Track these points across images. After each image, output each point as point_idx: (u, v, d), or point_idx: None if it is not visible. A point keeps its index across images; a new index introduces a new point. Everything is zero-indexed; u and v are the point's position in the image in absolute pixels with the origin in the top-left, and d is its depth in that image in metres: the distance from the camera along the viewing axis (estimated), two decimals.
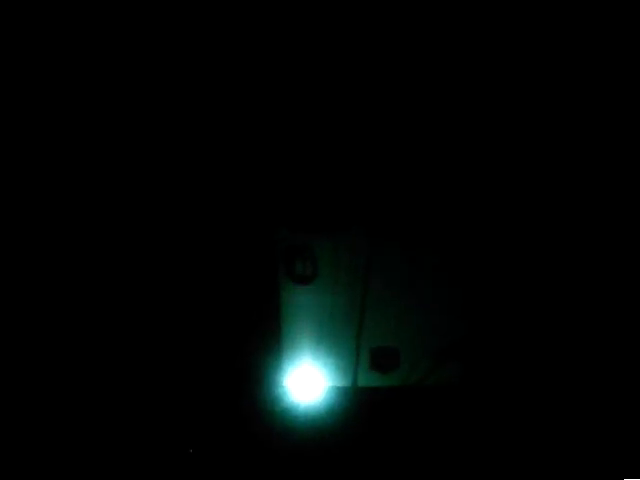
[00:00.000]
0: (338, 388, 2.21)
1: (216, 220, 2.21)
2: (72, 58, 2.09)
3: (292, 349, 2.22)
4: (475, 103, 2.27)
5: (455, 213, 2.31)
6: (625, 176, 2.26)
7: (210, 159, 2.21)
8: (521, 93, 2.26)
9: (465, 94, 2.26)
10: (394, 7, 2.16)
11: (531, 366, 2.27)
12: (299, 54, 2.17)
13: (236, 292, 2.19)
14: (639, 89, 2.21)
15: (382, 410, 2.20)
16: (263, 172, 2.24)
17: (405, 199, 2.30)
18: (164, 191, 2.19)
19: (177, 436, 2.09)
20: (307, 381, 2.21)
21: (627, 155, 2.25)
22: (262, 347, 2.19)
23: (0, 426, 1.99)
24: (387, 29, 2.18)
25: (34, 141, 2.12)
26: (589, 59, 2.21)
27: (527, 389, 2.25)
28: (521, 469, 2.14)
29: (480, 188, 2.31)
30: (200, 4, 2.10)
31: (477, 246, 2.32)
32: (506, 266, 2.32)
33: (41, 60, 2.08)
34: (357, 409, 2.18)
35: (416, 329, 2.27)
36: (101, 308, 2.12)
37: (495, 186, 2.31)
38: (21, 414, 2.02)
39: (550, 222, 2.32)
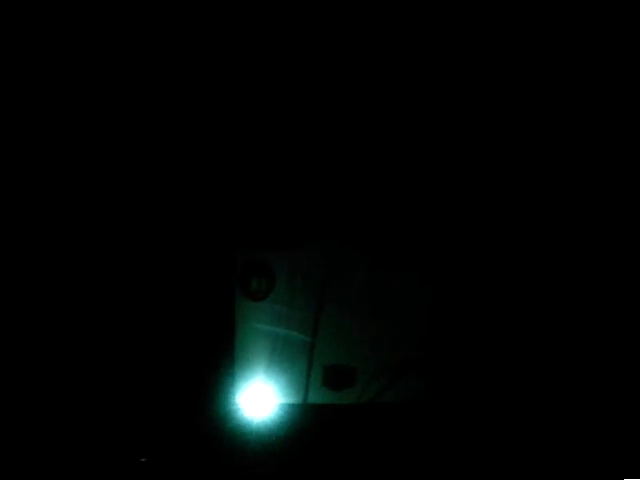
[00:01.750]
0: (289, 405, 2.20)
1: (171, 235, 2.23)
2: (70, 57, 2.15)
3: (245, 365, 2.22)
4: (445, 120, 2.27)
5: (414, 229, 2.29)
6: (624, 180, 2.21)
7: (165, 173, 2.24)
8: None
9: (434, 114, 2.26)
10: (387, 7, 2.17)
11: (500, 380, 2.23)
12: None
13: (190, 307, 2.21)
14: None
15: (335, 427, 2.18)
16: (221, 187, 2.26)
17: (364, 216, 2.29)
18: (121, 201, 2.22)
19: (129, 447, 2.12)
20: (260, 398, 2.21)
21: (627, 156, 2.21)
22: (215, 363, 2.20)
23: None
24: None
25: (22, 139, 2.17)
26: (589, 59, 2.19)
27: (497, 405, 2.21)
28: None
29: (440, 206, 2.29)
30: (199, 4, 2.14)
31: (438, 259, 2.29)
32: (469, 279, 2.28)
33: (38, 59, 2.14)
34: (308, 426, 2.17)
35: (373, 346, 2.25)
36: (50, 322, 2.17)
37: (456, 204, 2.29)
38: None
39: (515, 237, 2.28)
